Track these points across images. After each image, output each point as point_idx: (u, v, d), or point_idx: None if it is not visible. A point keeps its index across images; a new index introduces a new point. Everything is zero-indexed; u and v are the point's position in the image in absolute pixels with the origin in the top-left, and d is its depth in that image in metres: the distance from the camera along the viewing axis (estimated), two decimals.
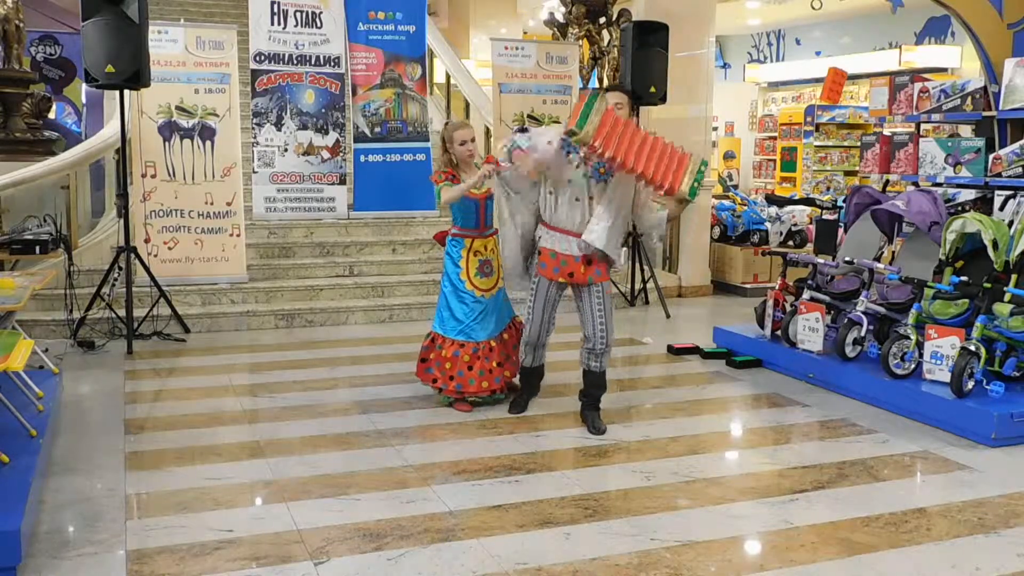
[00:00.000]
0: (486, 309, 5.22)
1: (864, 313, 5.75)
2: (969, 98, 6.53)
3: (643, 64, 8.27)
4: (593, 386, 5.02)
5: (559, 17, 10.69)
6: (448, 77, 11.75)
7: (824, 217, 7.93)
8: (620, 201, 4.69)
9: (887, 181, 7.33)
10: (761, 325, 6.60)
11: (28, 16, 9.57)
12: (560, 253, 4.75)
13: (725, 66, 18.44)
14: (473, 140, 5.18)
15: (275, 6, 8.34)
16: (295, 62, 8.43)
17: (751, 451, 4.78)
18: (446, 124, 5.40)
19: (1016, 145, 6.07)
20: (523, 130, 4.96)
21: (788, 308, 6.32)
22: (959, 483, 4.27)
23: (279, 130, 8.42)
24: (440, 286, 5.40)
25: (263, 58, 8.35)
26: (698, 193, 4.53)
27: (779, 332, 6.33)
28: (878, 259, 6.26)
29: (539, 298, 4.89)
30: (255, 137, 8.40)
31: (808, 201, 9.13)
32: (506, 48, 9.02)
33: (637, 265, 8.70)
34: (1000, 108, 6.32)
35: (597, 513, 3.84)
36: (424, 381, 5.38)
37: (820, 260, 6.41)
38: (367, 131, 8.88)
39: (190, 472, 4.27)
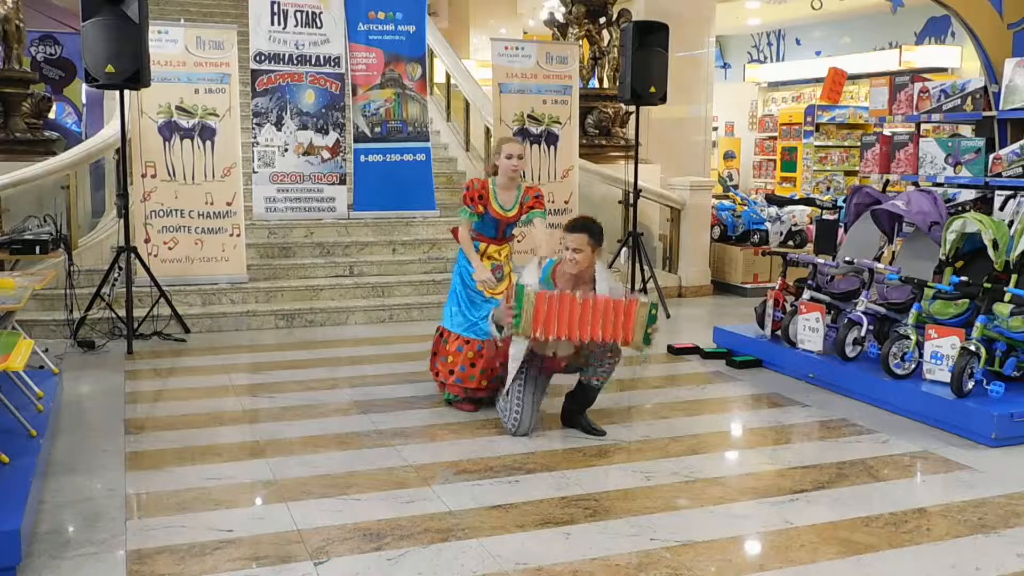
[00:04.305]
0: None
1: (864, 313, 5.75)
2: (969, 98, 6.53)
3: (643, 64, 8.27)
4: (588, 398, 4.95)
5: (559, 17, 10.70)
6: (448, 77, 11.75)
7: (824, 217, 7.93)
8: None
9: (887, 181, 7.33)
10: (761, 325, 6.60)
11: (28, 16, 9.55)
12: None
13: (725, 66, 18.46)
14: (520, 157, 5.24)
15: (275, 6, 8.34)
16: (295, 62, 8.43)
17: (751, 451, 4.78)
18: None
19: (1016, 145, 6.07)
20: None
21: (788, 308, 6.32)
22: (959, 483, 4.27)
23: (279, 130, 8.42)
24: (451, 282, 5.43)
25: (263, 58, 8.35)
26: (653, 340, 4.56)
27: (779, 332, 6.33)
28: (878, 259, 6.26)
29: (528, 386, 4.82)
30: (255, 137, 8.40)
31: (808, 201, 9.14)
32: (506, 48, 9.02)
33: (637, 265, 8.69)
34: (1000, 108, 6.32)
35: (597, 513, 3.84)
36: (433, 375, 5.41)
37: (820, 260, 6.41)
38: (367, 131, 8.88)
39: (190, 472, 4.27)
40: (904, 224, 6.16)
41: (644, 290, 8.84)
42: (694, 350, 6.82)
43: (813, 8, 13.40)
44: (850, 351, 5.73)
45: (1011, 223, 5.59)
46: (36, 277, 5.73)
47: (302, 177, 8.51)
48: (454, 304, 5.34)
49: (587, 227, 4.76)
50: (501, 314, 4.62)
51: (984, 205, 6.42)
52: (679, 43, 8.97)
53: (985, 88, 6.51)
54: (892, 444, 4.80)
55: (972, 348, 4.95)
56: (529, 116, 8.90)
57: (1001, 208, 6.31)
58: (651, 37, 8.33)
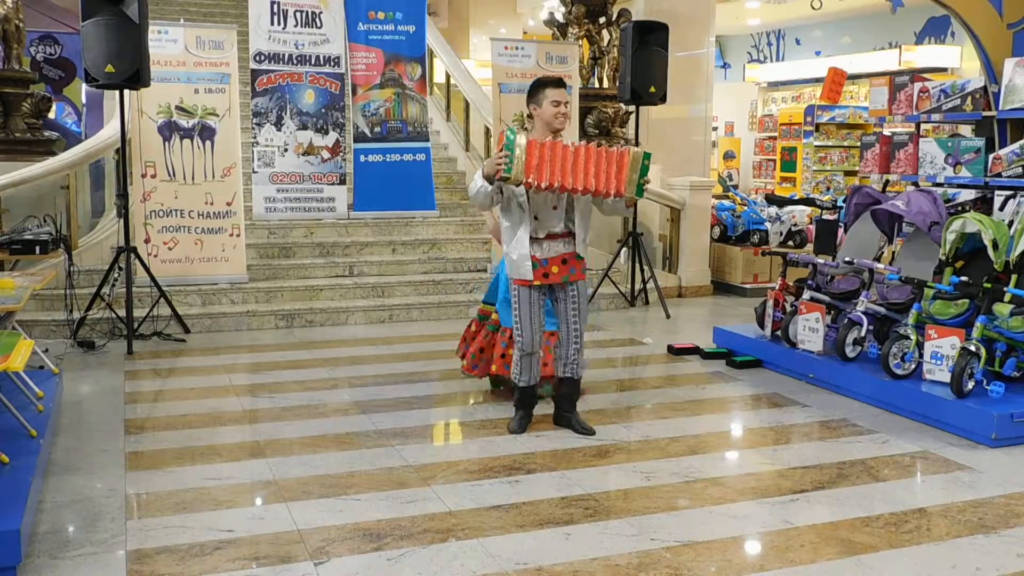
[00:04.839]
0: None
1: (864, 313, 5.75)
2: (969, 98, 6.53)
3: (643, 64, 8.27)
4: (571, 392, 4.93)
5: (559, 17, 10.69)
6: (448, 77, 11.75)
7: (824, 217, 7.93)
8: (583, 208, 4.73)
9: (887, 181, 7.33)
10: (761, 325, 6.60)
11: (28, 16, 9.55)
12: (537, 257, 4.68)
13: (725, 66, 18.46)
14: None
15: (275, 6, 8.34)
16: (295, 62, 8.43)
17: (751, 451, 4.77)
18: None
19: (1016, 145, 6.07)
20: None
21: (788, 308, 6.32)
22: (959, 483, 4.27)
23: (279, 130, 8.42)
24: (501, 282, 5.37)
25: (263, 58, 8.35)
26: (645, 189, 4.49)
27: (779, 332, 6.33)
28: (878, 259, 6.26)
29: (524, 305, 4.75)
30: (255, 137, 8.40)
31: (808, 201, 9.14)
32: (506, 48, 9.02)
33: (637, 265, 8.70)
34: (1000, 108, 6.32)
35: (597, 513, 3.84)
36: (477, 373, 5.42)
37: (820, 260, 6.41)
38: (367, 131, 8.88)
39: (190, 472, 4.28)
40: (904, 224, 6.16)
41: (644, 291, 8.84)
42: (694, 350, 6.82)
43: (813, 8, 13.39)
44: (850, 351, 5.73)
45: (1011, 223, 5.59)
46: (36, 277, 5.73)
47: (302, 177, 8.51)
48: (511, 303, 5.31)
49: (564, 81, 4.75)
50: (491, 166, 4.45)
51: (984, 205, 6.42)
52: (679, 43, 8.97)
53: (985, 88, 6.51)
54: (892, 444, 4.80)
55: (972, 348, 4.95)
56: (529, 116, 8.88)
57: (1001, 208, 6.31)
58: (651, 37, 8.33)
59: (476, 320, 5.61)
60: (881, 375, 5.39)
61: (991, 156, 6.17)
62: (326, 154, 8.58)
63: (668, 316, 8.30)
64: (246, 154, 8.27)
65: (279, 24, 8.38)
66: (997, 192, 6.34)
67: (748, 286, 9.50)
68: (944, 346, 5.10)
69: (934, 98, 6.75)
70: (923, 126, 7.16)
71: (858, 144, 11.23)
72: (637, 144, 8.74)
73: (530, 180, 4.38)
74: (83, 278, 7.27)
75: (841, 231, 6.87)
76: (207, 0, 13.58)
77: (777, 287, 6.55)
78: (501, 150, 4.37)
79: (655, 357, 6.85)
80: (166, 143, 7.64)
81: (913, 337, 5.29)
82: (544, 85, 4.71)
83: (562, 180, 4.38)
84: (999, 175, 6.13)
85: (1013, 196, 6.27)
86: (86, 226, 8.30)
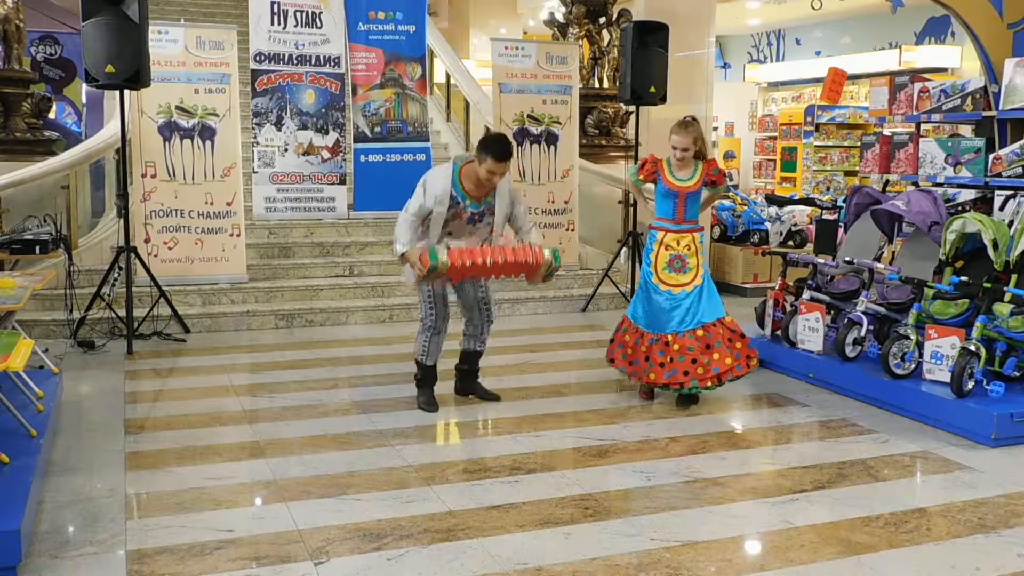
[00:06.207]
0: (672, 304, 5.32)
1: (864, 313, 5.74)
2: (969, 98, 6.53)
3: (643, 64, 8.27)
4: (475, 362, 5.42)
5: (559, 17, 10.70)
6: (448, 77, 11.75)
7: (824, 217, 7.92)
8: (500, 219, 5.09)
9: (887, 181, 7.33)
10: (761, 325, 6.60)
11: (28, 16, 9.56)
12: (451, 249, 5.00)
13: (725, 66, 18.46)
14: (686, 149, 5.28)
15: (275, 6, 8.33)
16: (295, 62, 8.43)
17: (751, 451, 4.77)
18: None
19: (1016, 145, 6.07)
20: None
21: (788, 308, 6.32)
22: (959, 483, 4.27)
23: (279, 130, 8.41)
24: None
25: (263, 58, 8.35)
26: (553, 276, 5.05)
27: (779, 332, 6.33)
28: (878, 259, 6.26)
29: (436, 290, 5.12)
30: (255, 137, 8.39)
31: (808, 201, 9.13)
32: (506, 48, 9.02)
33: (637, 265, 8.69)
34: (1000, 108, 6.32)
35: (597, 513, 3.84)
36: (611, 361, 5.58)
37: (820, 260, 6.41)
38: (367, 131, 8.88)
39: (190, 472, 4.28)
40: (904, 224, 6.16)
41: None
42: None
43: (813, 8, 13.40)
44: (850, 351, 5.73)
45: (1011, 223, 5.59)
46: (36, 277, 5.73)
47: (302, 177, 8.51)
48: (635, 295, 5.54)
49: (511, 153, 4.89)
50: (415, 266, 4.84)
51: (984, 205, 6.42)
52: (679, 43, 8.95)
53: (985, 88, 6.50)
54: (892, 444, 4.80)
55: (972, 348, 4.95)
56: (529, 116, 8.90)
57: (1001, 208, 6.31)
58: (651, 37, 8.33)
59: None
60: (881, 375, 5.39)
61: (991, 156, 6.17)
62: (326, 154, 8.58)
63: None
64: (246, 154, 8.27)
65: (279, 24, 8.37)
66: (997, 192, 6.34)
67: (748, 286, 9.50)
68: (944, 346, 5.10)
69: (934, 98, 6.75)
70: (923, 126, 7.16)
71: (858, 144, 11.23)
72: (636, 145, 8.74)
73: (454, 282, 5.06)
74: (83, 278, 7.26)
75: (841, 231, 6.87)
76: (207, 0, 13.57)
77: (777, 287, 6.55)
78: (426, 267, 4.74)
79: None
80: (166, 143, 7.64)
81: (913, 337, 5.29)
82: (489, 152, 4.83)
83: (475, 278, 5.06)
84: (999, 175, 6.12)
85: (1013, 196, 6.27)
86: (86, 226, 8.30)
